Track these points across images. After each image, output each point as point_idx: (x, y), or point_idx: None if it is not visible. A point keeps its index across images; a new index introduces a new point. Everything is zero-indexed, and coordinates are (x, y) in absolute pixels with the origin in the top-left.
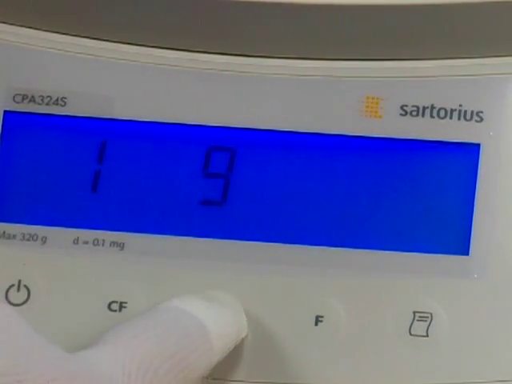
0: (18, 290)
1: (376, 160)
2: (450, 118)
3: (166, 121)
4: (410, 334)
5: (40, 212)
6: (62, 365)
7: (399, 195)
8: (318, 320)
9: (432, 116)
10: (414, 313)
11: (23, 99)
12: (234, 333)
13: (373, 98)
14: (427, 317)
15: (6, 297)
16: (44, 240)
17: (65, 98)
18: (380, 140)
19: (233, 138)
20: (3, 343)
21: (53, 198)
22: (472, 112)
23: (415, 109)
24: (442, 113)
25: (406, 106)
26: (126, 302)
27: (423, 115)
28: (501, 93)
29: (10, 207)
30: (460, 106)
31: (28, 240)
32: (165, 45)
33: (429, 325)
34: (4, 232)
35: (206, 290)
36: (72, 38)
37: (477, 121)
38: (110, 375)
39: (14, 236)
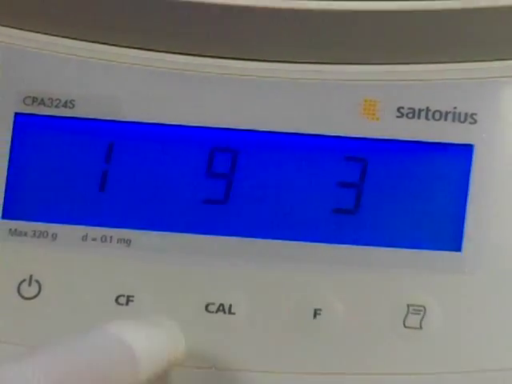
0: (30, 284)
1: (374, 160)
2: (445, 119)
3: (170, 123)
4: (405, 326)
5: (50, 210)
6: None
7: (395, 194)
8: (316, 313)
9: (427, 118)
10: (408, 306)
11: (33, 102)
12: (166, 353)
13: (370, 101)
14: (421, 310)
15: (18, 291)
16: (54, 237)
17: (73, 100)
18: (377, 141)
19: (235, 139)
20: None
21: (62, 196)
22: (466, 114)
23: (411, 111)
24: (437, 115)
25: (403, 108)
26: (132, 296)
27: (419, 117)
28: (494, 96)
29: (22, 206)
30: (454, 108)
31: (39, 237)
32: (170, 49)
33: (422, 317)
34: (16, 229)
35: (149, 316)
36: (80, 42)
37: (470, 123)
38: None
39: (26, 233)
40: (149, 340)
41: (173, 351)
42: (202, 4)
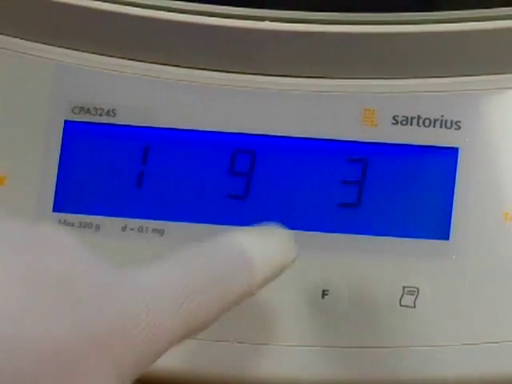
0: None
1: (373, 161)
2: (434, 126)
3: (198, 128)
4: (400, 305)
5: (94, 204)
6: (109, 275)
7: (392, 190)
8: (324, 293)
9: (419, 124)
10: (404, 287)
11: (80, 111)
12: (279, 257)
13: (370, 110)
14: (414, 291)
15: None
16: (97, 227)
17: (114, 109)
18: (376, 145)
19: (254, 142)
20: (56, 254)
21: (105, 192)
22: (452, 121)
23: (405, 118)
24: (427, 122)
25: (398, 116)
26: None
27: (411, 124)
28: (475, 106)
29: (70, 200)
30: (442, 116)
31: (84, 227)
32: (197, 66)
33: (415, 298)
34: (64, 220)
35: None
36: (121, 60)
37: (455, 129)
38: (155, 290)
39: (73, 224)
40: (264, 246)
41: (286, 257)
42: (225, 28)
